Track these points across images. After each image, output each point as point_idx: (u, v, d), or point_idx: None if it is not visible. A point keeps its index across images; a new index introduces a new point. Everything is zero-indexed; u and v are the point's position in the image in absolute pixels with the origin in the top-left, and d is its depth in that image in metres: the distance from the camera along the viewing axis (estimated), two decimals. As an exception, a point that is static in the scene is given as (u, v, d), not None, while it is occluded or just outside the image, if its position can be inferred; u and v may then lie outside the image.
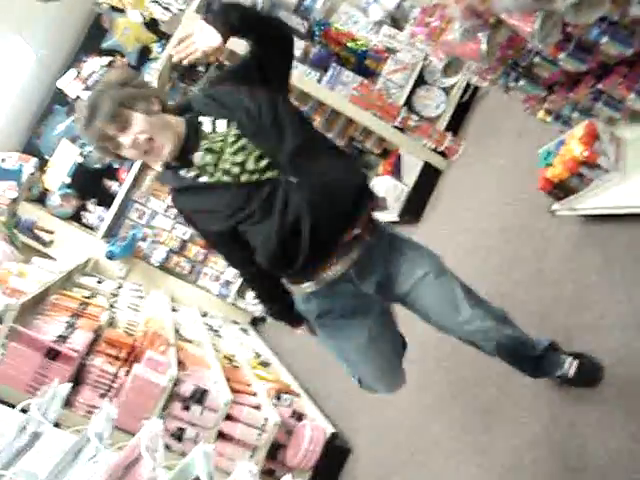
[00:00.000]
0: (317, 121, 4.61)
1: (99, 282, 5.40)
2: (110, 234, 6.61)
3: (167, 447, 3.30)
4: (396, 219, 4.35)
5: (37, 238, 5.94)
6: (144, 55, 6.91)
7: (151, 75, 6.27)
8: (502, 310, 2.28)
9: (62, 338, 3.42)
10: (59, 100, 6.74)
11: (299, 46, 4.54)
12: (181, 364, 3.84)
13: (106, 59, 6.40)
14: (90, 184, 6.72)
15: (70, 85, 6.17)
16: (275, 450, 3.71)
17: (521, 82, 2.43)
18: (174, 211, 6.40)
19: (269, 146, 1.94)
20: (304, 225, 1.92)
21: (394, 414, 3.41)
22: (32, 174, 4.85)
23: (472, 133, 4.39)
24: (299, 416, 3.87)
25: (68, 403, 3.28)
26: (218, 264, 6.75)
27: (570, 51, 2.04)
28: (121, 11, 6.07)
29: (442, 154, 4.38)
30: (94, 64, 6.27)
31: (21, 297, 3.40)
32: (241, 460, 3.32)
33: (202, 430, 3.45)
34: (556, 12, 1.74)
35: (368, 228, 2.06)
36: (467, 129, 4.48)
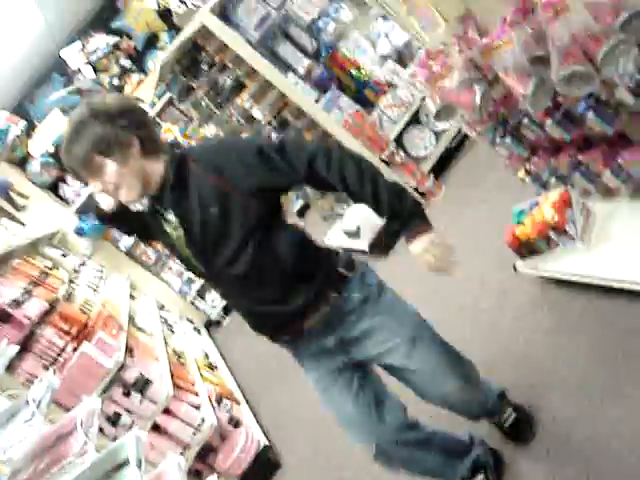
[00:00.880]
0: (307, 138, 4.69)
1: (63, 255, 5.39)
2: (83, 210, 6.58)
3: (100, 430, 3.29)
4: (365, 249, 4.42)
5: (11, 200, 5.91)
6: (151, 42, 6.96)
7: (154, 63, 6.33)
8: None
9: (16, 303, 3.42)
10: (59, 69, 6.74)
11: (304, 63, 4.63)
12: (130, 351, 3.85)
13: (113, 39, 6.43)
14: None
15: (73, 57, 6.18)
16: (206, 452, 3.72)
17: (507, 139, 2.52)
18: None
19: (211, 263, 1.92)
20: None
21: (328, 436, 3.45)
22: (18, 136, 4.84)
23: (454, 180, 4.50)
24: (236, 423, 3.89)
25: (10, 367, 3.27)
26: (184, 260, 6.75)
27: (557, 119, 2.14)
28: (137, -5, 6.13)
29: (422, 194, 4.48)
30: (100, 41, 6.31)
31: (-17, 255, 3.40)
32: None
33: (138, 419, 3.45)
34: (549, 80, 1.83)
35: (331, 296, 1.94)
36: (450, 175, 4.59)
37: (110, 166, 1.84)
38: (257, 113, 4.66)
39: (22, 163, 6.57)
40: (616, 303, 2.38)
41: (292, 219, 5.38)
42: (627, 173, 2.18)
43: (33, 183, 6.48)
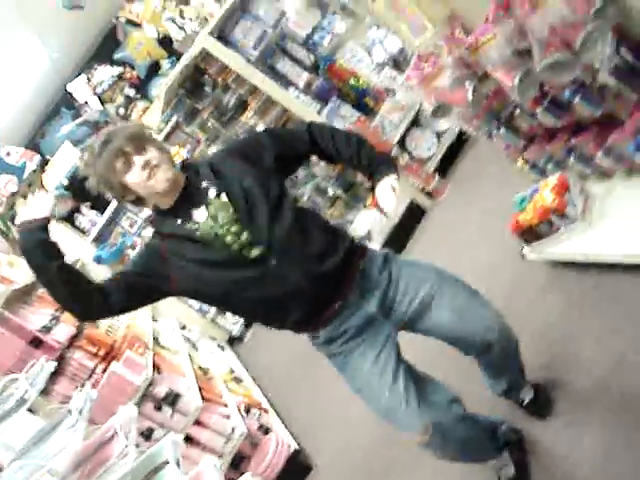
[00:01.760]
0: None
1: (85, 283, 5.50)
2: (100, 239, 6.74)
3: (136, 446, 3.40)
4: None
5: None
6: (153, 70, 7.13)
7: (158, 89, 6.49)
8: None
9: (46, 329, 3.55)
10: (67, 103, 6.93)
11: (303, 77, 4.77)
12: (157, 368, 3.96)
13: (117, 69, 6.61)
14: (86, 188, 6.86)
15: (79, 90, 6.36)
16: (239, 461, 3.81)
17: (502, 131, 2.63)
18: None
19: (258, 225, 2.03)
20: (293, 298, 2.04)
21: (355, 434, 3.55)
22: (34, 171, 5.00)
23: (459, 176, 4.60)
24: (266, 430, 3.98)
25: (45, 392, 3.39)
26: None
27: (546, 107, 2.24)
28: (137, 25, 6.30)
29: (428, 194, 4.58)
30: (105, 72, 6.48)
31: (10, 285, 3.53)
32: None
33: (171, 432, 3.55)
34: (534, 71, 1.94)
35: (357, 262, 2.11)
36: (455, 172, 4.69)
37: (153, 148, 2.08)
38: (262, 129, 4.78)
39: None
40: (622, 277, 2.47)
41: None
42: (619, 153, 2.28)
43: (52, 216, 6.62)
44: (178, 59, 5.22)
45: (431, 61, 2.48)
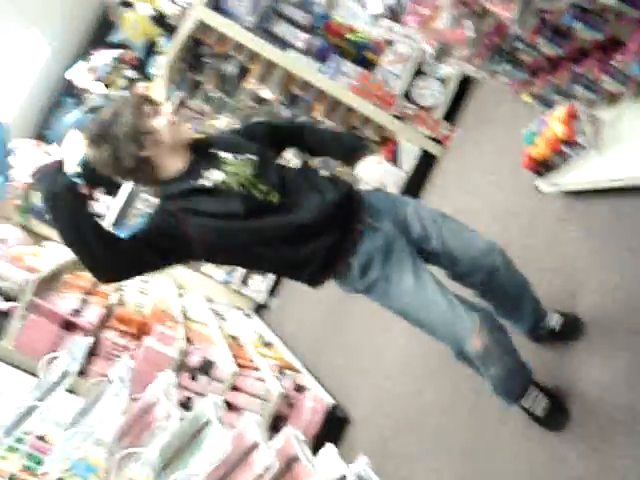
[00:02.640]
0: (318, 110, 4.79)
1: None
2: (117, 222, 6.80)
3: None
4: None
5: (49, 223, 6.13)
6: (150, 49, 7.12)
7: (157, 68, 6.48)
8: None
9: (77, 312, 3.63)
10: (69, 92, 6.94)
11: (301, 38, 4.75)
12: (189, 340, 4.04)
13: (115, 52, 6.60)
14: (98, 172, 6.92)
15: (80, 77, 6.36)
16: (278, 422, 3.89)
17: (506, 67, 2.62)
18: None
19: (272, 178, 2.18)
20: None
21: (388, 385, 3.61)
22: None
23: (467, 120, 4.59)
24: (301, 389, 4.06)
25: (82, 373, 3.48)
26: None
27: (547, 36, 2.23)
28: (129, 5, 6.27)
29: (438, 141, 4.58)
30: (104, 57, 6.47)
31: (38, 273, 3.60)
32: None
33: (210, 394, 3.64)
34: (532, 0, 1.93)
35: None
36: (462, 117, 4.68)
37: (165, 106, 2.24)
38: (266, 93, 4.78)
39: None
40: (637, 200, 2.48)
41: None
42: (624, 74, 2.26)
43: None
44: (174, 35, 5.20)
45: (427, 3, 2.46)
